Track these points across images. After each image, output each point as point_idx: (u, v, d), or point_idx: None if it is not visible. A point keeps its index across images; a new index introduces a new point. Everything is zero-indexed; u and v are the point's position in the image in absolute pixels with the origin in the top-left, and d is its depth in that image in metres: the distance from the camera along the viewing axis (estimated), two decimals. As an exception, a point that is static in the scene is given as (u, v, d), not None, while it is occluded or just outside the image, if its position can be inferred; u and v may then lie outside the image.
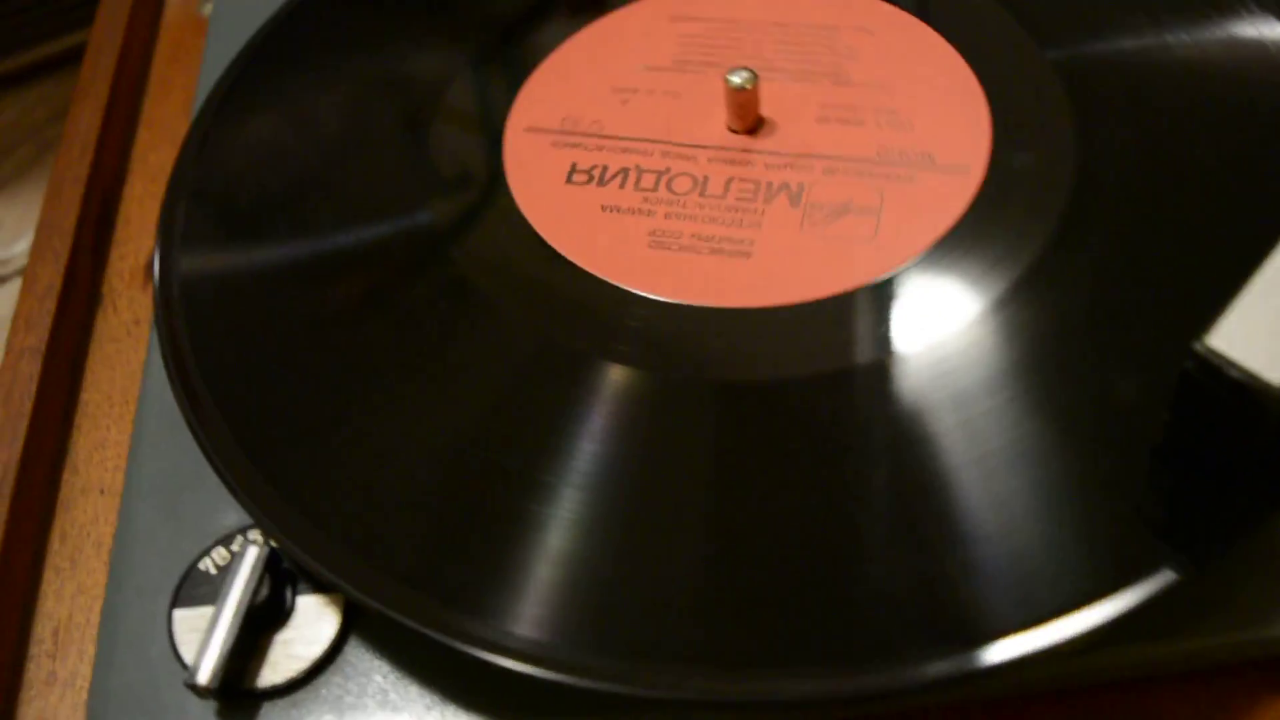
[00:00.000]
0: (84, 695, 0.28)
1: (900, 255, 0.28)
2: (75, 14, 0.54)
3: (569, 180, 0.31)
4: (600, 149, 0.32)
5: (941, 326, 0.27)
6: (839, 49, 0.33)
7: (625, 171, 0.31)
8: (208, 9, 0.42)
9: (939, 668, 0.22)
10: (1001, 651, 0.22)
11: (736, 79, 0.30)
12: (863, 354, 0.26)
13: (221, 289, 0.30)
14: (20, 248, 0.49)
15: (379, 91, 0.34)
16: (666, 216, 0.30)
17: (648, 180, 0.31)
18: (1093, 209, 0.28)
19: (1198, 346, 0.22)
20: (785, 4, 0.34)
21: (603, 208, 0.30)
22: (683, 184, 0.30)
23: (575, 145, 0.32)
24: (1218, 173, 0.29)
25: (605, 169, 0.31)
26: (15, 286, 0.48)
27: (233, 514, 0.28)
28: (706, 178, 0.30)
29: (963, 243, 0.28)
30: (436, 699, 0.25)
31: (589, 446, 0.26)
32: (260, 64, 0.35)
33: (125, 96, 0.39)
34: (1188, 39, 0.31)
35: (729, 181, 0.30)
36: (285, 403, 0.28)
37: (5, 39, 0.53)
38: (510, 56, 0.35)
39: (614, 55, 0.34)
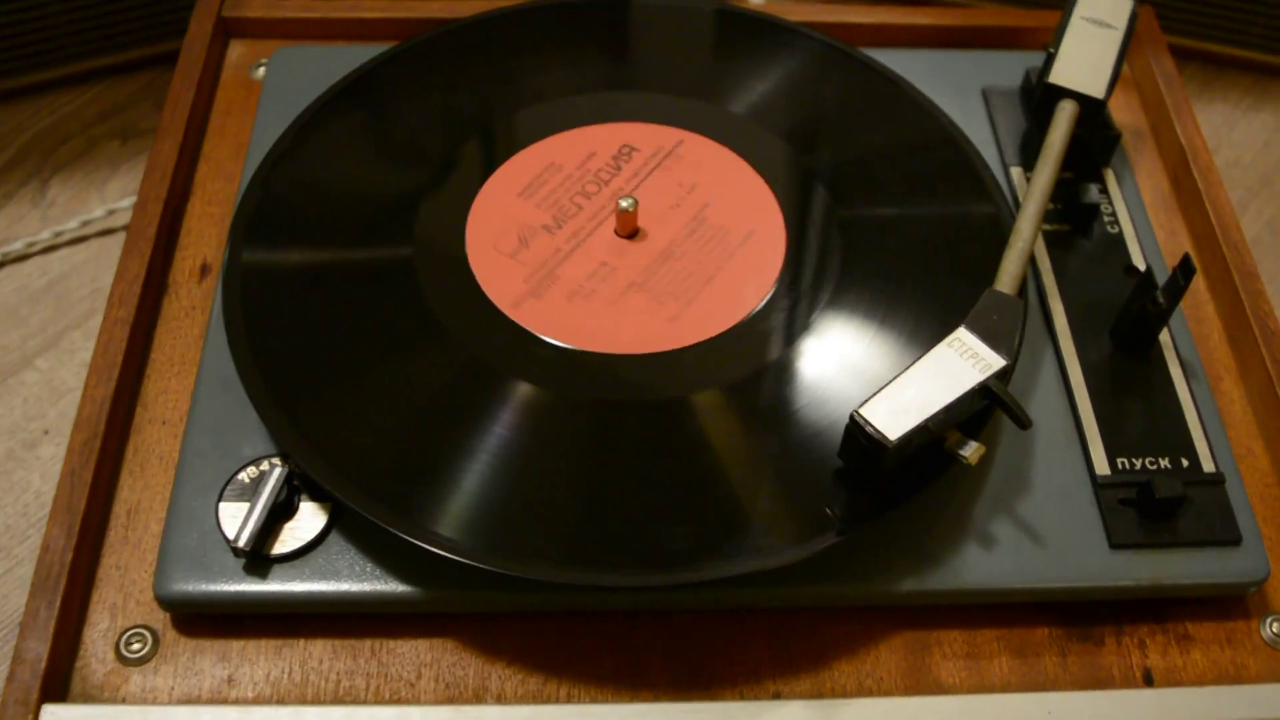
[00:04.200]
0: (148, 553, 0.42)
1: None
2: (126, 34, 0.68)
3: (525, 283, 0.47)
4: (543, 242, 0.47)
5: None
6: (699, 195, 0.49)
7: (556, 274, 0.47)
8: (258, 73, 0.57)
9: (684, 576, 0.38)
10: (726, 569, 0.38)
11: (625, 204, 0.45)
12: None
13: (267, 282, 0.45)
14: (71, 224, 0.62)
15: (390, 162, 0.49)
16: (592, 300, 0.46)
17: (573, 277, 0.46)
18: (846, 295, 0.45)
19: (854, 413, 0.38)
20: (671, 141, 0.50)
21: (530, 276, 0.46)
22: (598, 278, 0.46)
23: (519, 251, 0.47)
24: (921, 291, 0.45)
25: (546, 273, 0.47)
26: (68, 254, 0.62)
27: (260, 444, 0.43)
28: (612, 273, 0.46)
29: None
30: (381, 571, 0.40)
31: (500, 430, 0.41)
32: (307, 131, 0.50)
33: (191, 138, 0.53)
34: (920, 210, 0.48)
35: (631, 273, 0.46)
36: (303, 369, 0.43)
37: (68, 49, 0.67)
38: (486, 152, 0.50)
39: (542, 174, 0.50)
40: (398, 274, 0.45)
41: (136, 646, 0.40)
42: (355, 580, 0.40)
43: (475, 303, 0.45)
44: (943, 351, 0.39)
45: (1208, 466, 0.43)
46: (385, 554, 0.41)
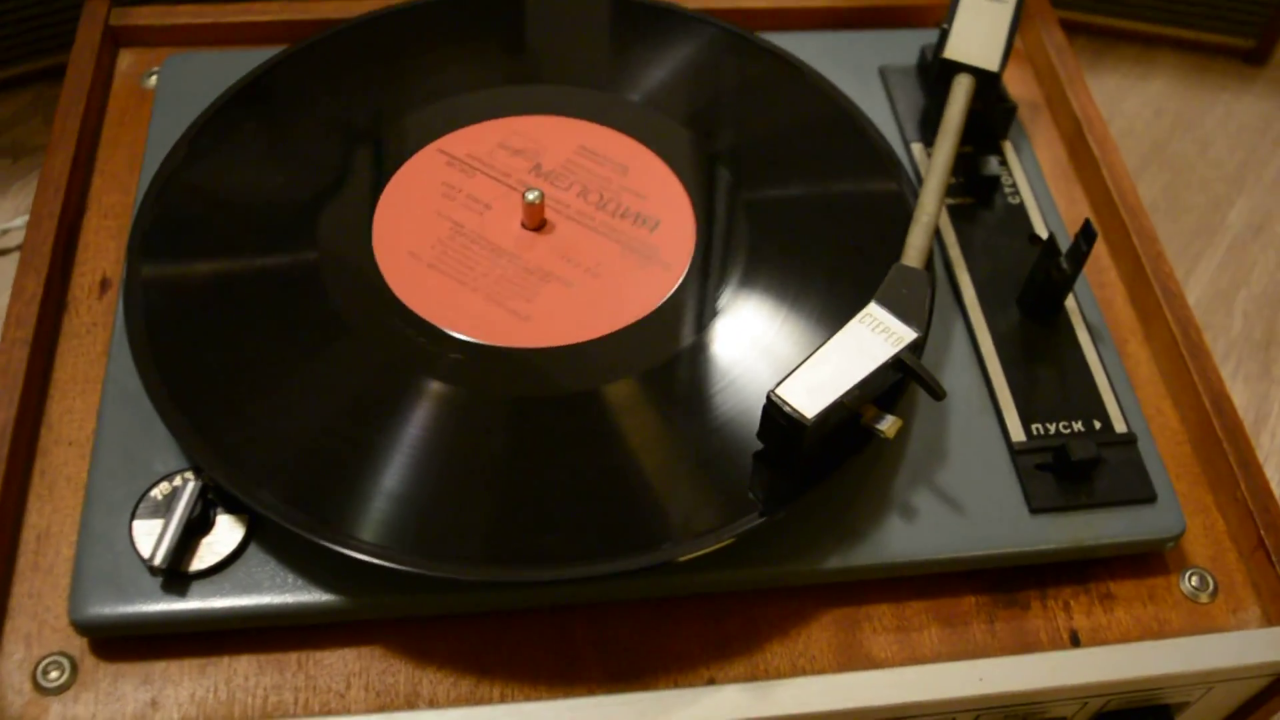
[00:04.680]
0: (61, 578, 0.41)
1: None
2: (9, 49, 0.66)
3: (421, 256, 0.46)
4: (444, 245, 0.47)
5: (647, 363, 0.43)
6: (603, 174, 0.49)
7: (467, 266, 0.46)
8: (149, 81, 0.55)
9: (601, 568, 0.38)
10: (656, 557, 0.38)
11: (531, 196, 0.45)
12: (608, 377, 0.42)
13: (169, 294, 0.44)
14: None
15: (289, 164, 0.48)
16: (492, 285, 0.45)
17: (482, 259, 0.46)
18: (756, 279, 0.45)
19: (771, 394, 0.38)
20: (568, 131, 0.50)
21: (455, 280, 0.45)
22: (510, 271, 0.46)
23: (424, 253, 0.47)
24: (829, 271, 0.45)
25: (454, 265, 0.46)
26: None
27: (171, 460, 0.42)
28: (522, 264, 0.46)
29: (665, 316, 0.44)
30: (303, 581, 0.39)
31: (413, 431, 0.41)
32: (202, 138, 0.49)
33: (84, 151, 0.52)
34: (825, 190, 0.48)
35: (534, 265, 0.46)
36: (211, 379, 0.42)
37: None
38: (380, 152, 0.49)
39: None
40: (301, 276, 0.45)
41: (54, 675, 0.39)
42: (277, 592, 0.39)
43: (384, 302, 0.44)
44: (855, 327, 0.39)
45: (1119, 427, 0.44)
46: (306, 563, 0.40)
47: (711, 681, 0.39)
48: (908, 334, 0.39)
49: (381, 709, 0.39)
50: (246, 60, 0.53)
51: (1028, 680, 0.39)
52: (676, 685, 0.39)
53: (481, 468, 0.40)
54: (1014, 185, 0.51)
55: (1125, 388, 0.45)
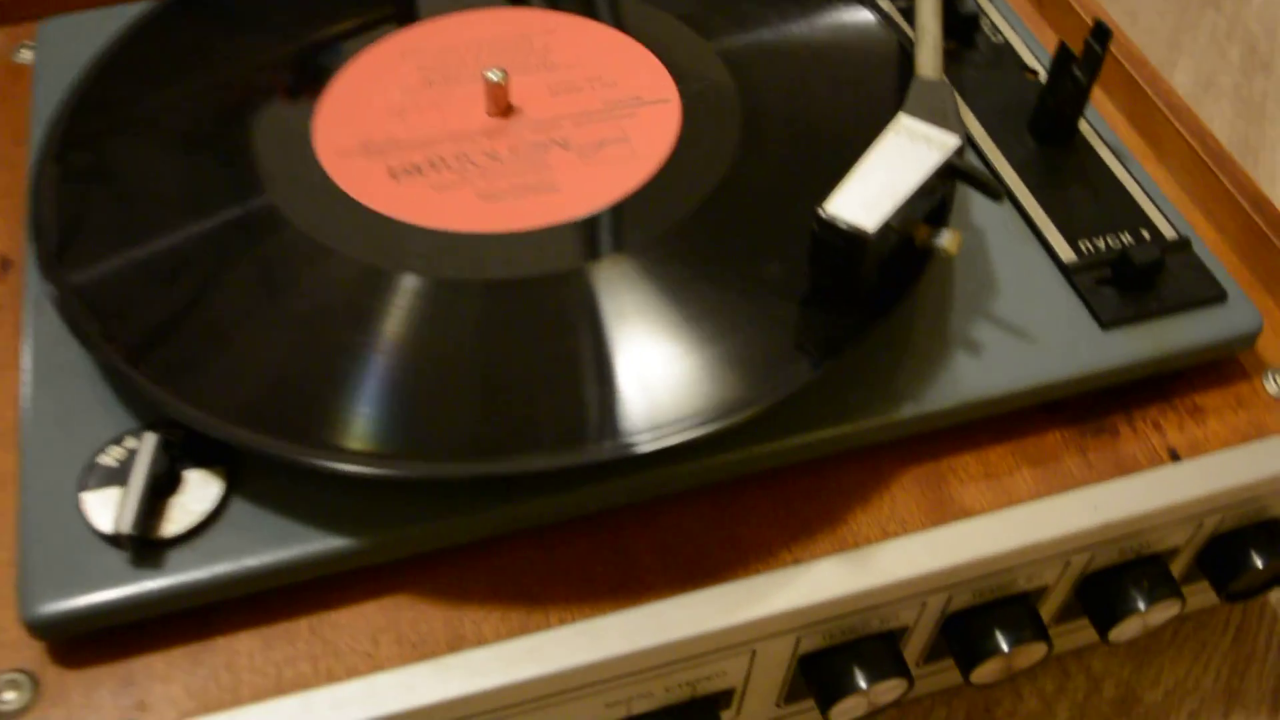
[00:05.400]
0: (1, 587, 0.34)
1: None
2: None
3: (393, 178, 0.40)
4: (403, 152, 0.41)
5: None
6: (538, 48, 0.44)
7: (434, 162, 0.40)
8: (23, 55, 0.49)
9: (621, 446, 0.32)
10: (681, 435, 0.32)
11: (493, 76, 0.40)
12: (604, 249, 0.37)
13: (93, 257, 0.37)
14: None
15: (199, 98, 0.42)
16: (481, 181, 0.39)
17: (453, 163, 0.40)
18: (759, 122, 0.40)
19: (819, 212, 0.33)
20: (485, 24, 0.45)
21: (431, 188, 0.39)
22: (481, 159, 0.40)
23: (381, 155, 0.41)
24: (828, 108, 0.41)
25: (417, 165, 0.40)
26: None
27: (117, 425, 0.35)
28: (495, 151, 0.40)
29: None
30: (300, 526, 0.33)
31: (398, 329, 0.35)
32: (95, 89, 0.42)
33: (-41, 131, 0.45)
34: (805, 28, 0.44)
35: (512, 148, 0.40)
36: (161, 331, 0.35)
37: None
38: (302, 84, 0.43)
39: (375, 87, 0.43)
40: (262, 219, 0.39)
41: (11, 697, 0.32)
42: (272, 547, 0.33)
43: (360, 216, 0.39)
44: (892, 140, 0.35)
45: (1169, 234, 0.40)
46: (301, 507, 0.33)
47: (797, 562, 0.34)
48: (950, 139, 0.35)
49: (424, 659, 0.32)
50: (129, 14, 0.47)
51: (1142, 501, 0.35)
52: (758, 574, 0.34)
53: (482, 356, 0.34)
54: (993, 25, 0.47)
55: (1161, 197, 0.41)
